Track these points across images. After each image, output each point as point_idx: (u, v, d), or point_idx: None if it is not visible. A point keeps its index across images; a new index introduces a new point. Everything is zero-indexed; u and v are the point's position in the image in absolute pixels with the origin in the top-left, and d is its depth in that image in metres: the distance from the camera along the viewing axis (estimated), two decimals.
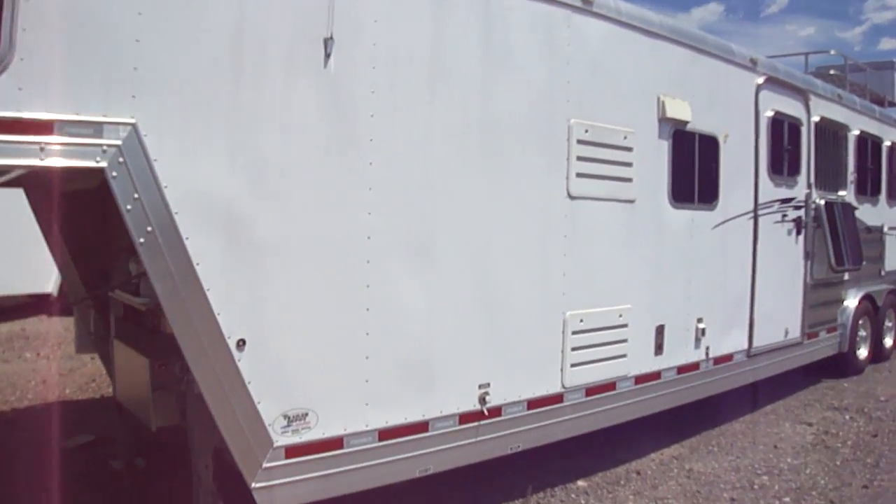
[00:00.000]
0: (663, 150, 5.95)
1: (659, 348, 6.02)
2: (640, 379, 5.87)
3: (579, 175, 5.26)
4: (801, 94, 7.86)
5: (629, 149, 5.62)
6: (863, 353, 9.65)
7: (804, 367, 8.56)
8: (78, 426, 6.39)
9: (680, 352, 6.26)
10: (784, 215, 7.54)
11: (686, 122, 6.10)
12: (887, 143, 10.13)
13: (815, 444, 6.69)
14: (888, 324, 10.39)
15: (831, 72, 9.90)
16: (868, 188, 9.63)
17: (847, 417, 7.57)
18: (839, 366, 9.29)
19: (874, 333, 9.82)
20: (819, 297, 8.42)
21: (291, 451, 3.77)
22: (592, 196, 5.39)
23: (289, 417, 3.76)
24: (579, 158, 5.24)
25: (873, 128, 9.70)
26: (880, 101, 10.59)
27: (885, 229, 10.14)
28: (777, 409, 7.91)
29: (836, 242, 8.34)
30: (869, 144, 9.61)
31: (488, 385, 4.66)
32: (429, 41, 4.35)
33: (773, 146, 7.29)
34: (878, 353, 10.03)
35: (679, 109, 5.98)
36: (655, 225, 5.92)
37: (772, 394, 8.24)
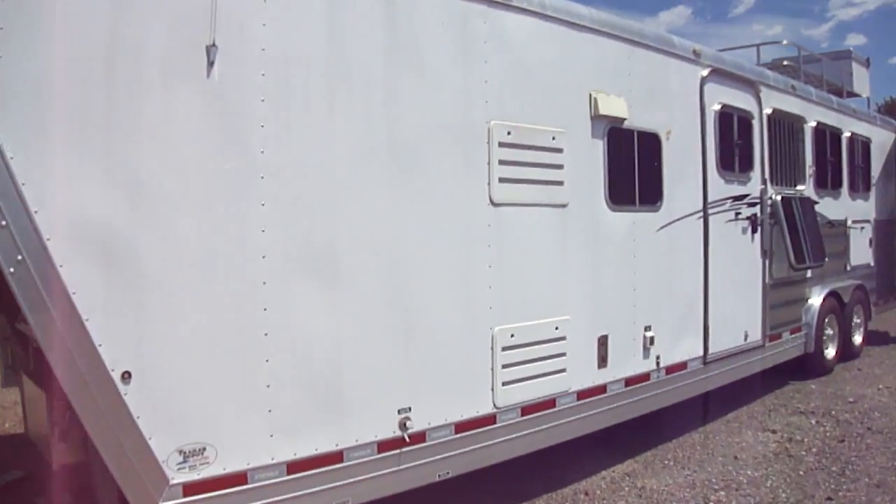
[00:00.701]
0: (598, 149, 5.79)
1: (603, 360, 5.88)
2: (583, 394, 5.69)
3: (502, 180, 5.09)
4: (751, 85, 7.79)
5: (559, 150, 5.46)
6: (830, 352, 9.59)
7: (769, 370, 8.39)
8: (8, 463, 6.14)
9: (627, 363, 6.11)
10: (737, 213, 7.47)
11: (622, 119, 5.97)
12: (847, 135, 10.08)
13: (777, 454, 6.57)
14: (856, 320, 10.34)
15: (784, 62, 9.88)
16: (828, 181, 9.57)
17: (813, 422, 7.48)
18: (806, 367, 9.19)
19: (842, 331, 9.75)
20: (780, 297, 8.34)
21: (190, 488, 3.59)
22: (518, 202, 5.21)
23: (184, 453, 3.58)
24: (502, 162, 5.06)
25: (831, 119, 9.65)
26: (838, 92, 10.55)
27: (849, 223, 10.11)
28: (740, 416, 7.81)
29: (795, 239, 8.27)
30: (827, 136, 9.55)
31: (409, 409, 4.46)
32: (326, 44, 4.11)
33: (721, 141, 7.18)
34: (847, 352, 9.96)
35: (613, 106, 5.87)
36: (592, 230, 5.76)
37: (735, 400, 8.08)
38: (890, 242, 11.24)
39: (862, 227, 10.36)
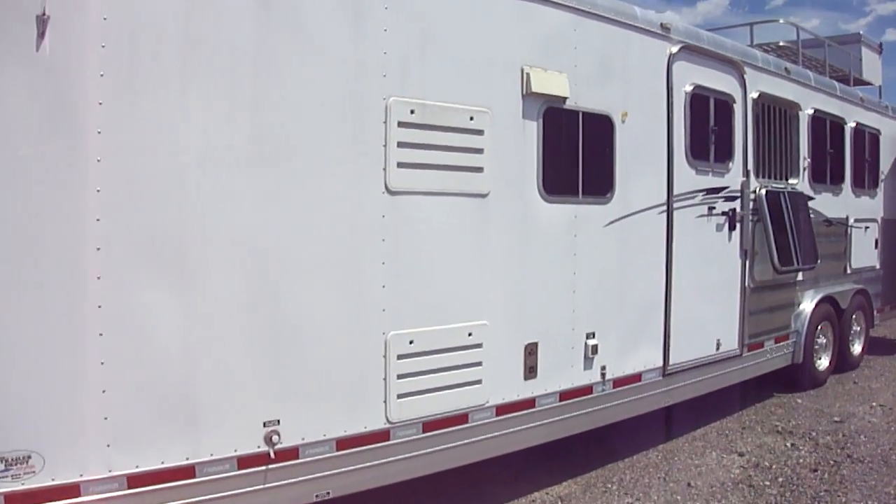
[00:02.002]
0: (530, 132, 5.01)
1: (531, 371, 5.11)
2: (504, 409, 4.95)
3: (402, 165, 4.34)
4: (734, 66, 6.90)
5: (478, 131, 4.69)
6: (823, 363, 8.70)
7: (755, 380, 7.64)
8: None
9: (562, 374, 5.33)
10: (711, 208, 6.60)
11: (563, 99, 5.16)
12: (851, 125, 9.13)
13: (737, 482, 5.74)
14: (856, 328, 9.42)
15: (780, 43, 8.93)
16: (828, 176, 8.65)
17: (788, 444, 6.62)
18: (795, 379, 8.35)
19: (838, 340, 8.86)
20: (763, 302, 7.47)
21: (12, 499, 3.25)
22: (422, 190, 4.46)
23: (6, 461, 3.24)
24: (401, 145, 4.32)
25: (833, 107, 8.71)
26: (845, 79, 9.61)
27: (851, 222, 9.17)
28: (709, 433, 6.97)
29: (781, 238, 7.38)
30: (828, 126, 8.62)
31: (277, 422, 3.92)
32: (182, 10, 3.60)
33: (693, 127, 6.33)
34: (843, 362, 9.07)
35: (551, 83, 5.06)
36: (520, 223, 4.98)
37: (708, 414, 7.29)
38: None
39: (866, 227, 9.43)
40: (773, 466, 6.04)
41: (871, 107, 9.73)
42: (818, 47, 9.28)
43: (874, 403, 7.91)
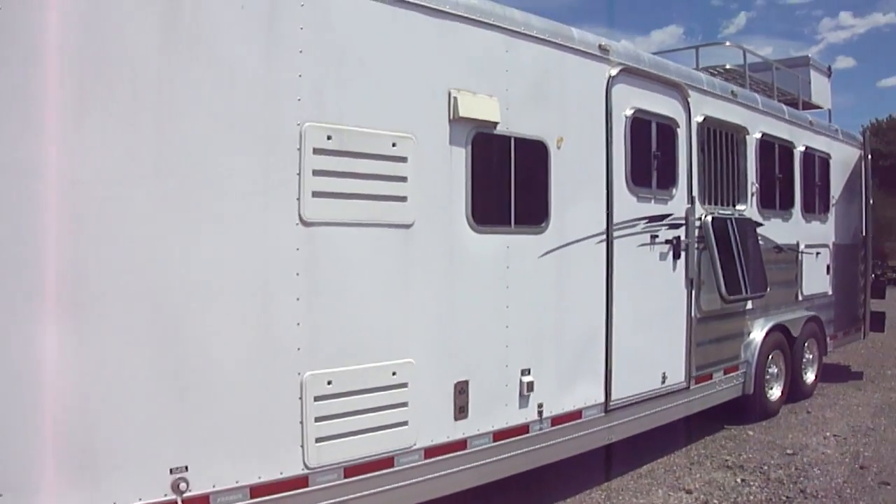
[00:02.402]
0: (458, 159, 4.85)
1: (461, 411, 4.91)
2: (433, 451, 4.76)
3: (318, 194, 4.15)
4: (677, 89, 6.83)
5: (402, 158, 4.52)
6: (775, 393, 8.62)
7: (706, 412, 7.52)
8: None
9: (496, 413, 5.15)
10: (654, 236, 6.48)
11: (493, 124, 5.02)
12: (800, 149, 9.13)
13: None
14: (808, 356, 9.38)
15: (727, 66, 8.92)
16: (777, 201, 8.62)
17: (738, 480, 6.48)
18: (746, 410, 8.25)
19: (790, 369, 8.80)
20: (711, 333, 7.37)
21: None
22: (341, 221, 4.28)
23: None
24: (317, 173, 4.14)
25: (782, 131, 8.71)
26: (793, 103, 9.63)
27: (802, 248, 9.14)
28: (655, 469, 6.82)
29: (728, 266, 7.30)
30: (776, 150, 8.61)
31: (185, 469, 3.71)
32: (80, 29, 3.47)
33: (634, 152, 6.22)
34: (796, 391, 9.01)
35: (480, 108, 4.91)
36: (447, 255, 4.81)
37: (656, 449, 7.14)
38: (851, 269, 10.23)
39: (818, 253, 9.40)
40: None
41: (820, 130, 9.75)
42: (766, 70, 9.28)
43: (828, 434, 7.83)
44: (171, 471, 3.68)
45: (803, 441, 7.58)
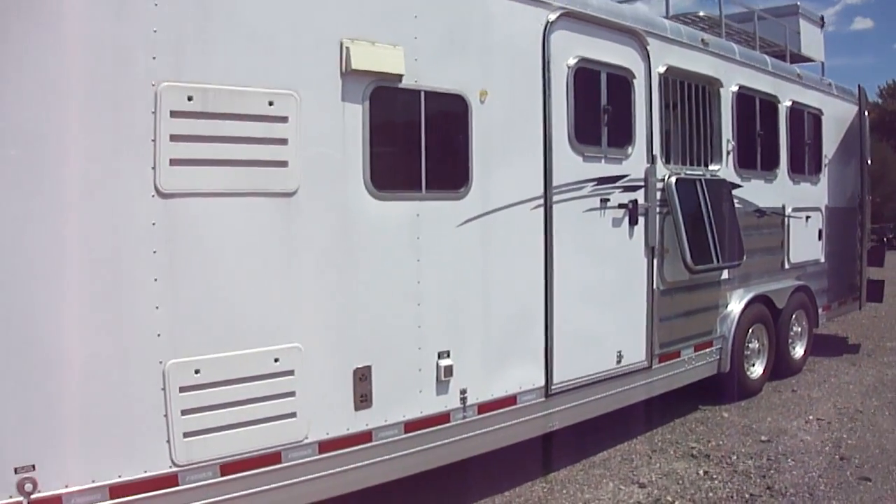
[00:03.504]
0: (353, 117, 4.50)
1: (363, 400, 4.61)
2: (329, 445, 4.48)
3: (176, 162, 3.83)
4: (633, 36, 6.42)
5: (281, 118, 4.18)
6: (756, 370, 8.30)
7: (680, 391, 7.27)
8: None
9: (407, 401, 4.85)
10: (604, 200, 6.12)
11: (398, 76, 4.66)
12: (786, 104, 8.70)
13: None
14: (796, 329, 9.04)
15: (700, 14, 8.48)
16: (758, 160, 8.23)
17: (701, 472, 6.15)
18: (723, 389, 7.94)
19: (774, 344, 8.45)
20: (678, 306, 7.03)
21: None
22: (205, 191, 3.95)
23: None
24: (176, 138, 3.81)
25: (764, 84, 8.28)
26: (781, 55, 9.18)
27: (788, 211, 8.75)
28: (612, 458, 6.51)
29: (696, 233, 6.94)
30: (757, 105, 8.20)
31: (32, 468, 3.50)
32: None
33: (579, 107, 5.84)
34: (782, 367, 8.70)
35: (380, 59, 4.54)
36: (340, 225, 4.48)
37: (619, 434, 6.89)
38: (848, 235, 9.83)
39: (808, 217, 9.04)
40: (676, 502, 5.55)
41: (811, 84, 9.33)
42: (750, 21, 8.83)
43: (811, 417, 7.51)
44: (15, 470, 3.47)
45: (782, 425, 7.26)
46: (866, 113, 10.13)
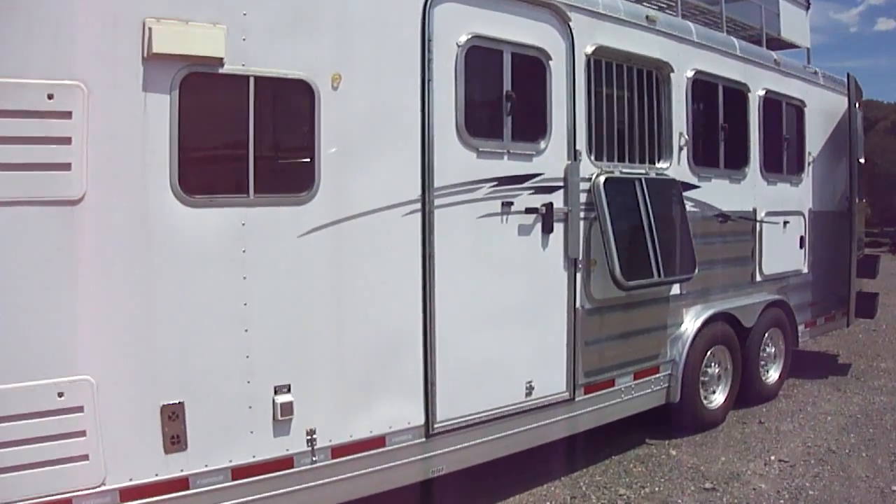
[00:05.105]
0: (158, 110, 4.15)
1: (175, 441, 4.27)
2: (132, 492, 4.15)
3: None
4: (550, 10, 6.00)
5: (64, 114, 3.88)
6: (717, 398, 7.90)
7: (629, 420, 6.94)
8: None
9: (235, 444, 4.51)
10: (507, 203, 5.71)
11: (218, 61, 4.29)
12: (759, 93, 8.29)
13: None
14: (769, 350, 8.63)
15: None
16: (720, 157, 7.81)
17: None
18: (674, 421, 7.52)
19: (740, 367, 8.03)
20: (610, 327, 6.62)
21: None
22: None
23: None
24: None
25: (729, 70, 7.87)
26: (755, 40, 8.77)
27: (761, 216, 8.32)
28: None
29: (631, 242, 6.53)
30: (720, 93, 7.79)
31: None
32: None
33: (472, 93, 5.46)
34: (751, 394, 8.36)
35: (190, 40, 4.19)
36: (140, 238, 4.15)
37: (540, 472, 6.51)
38: (837, 242, 9.38)
39: (786, 222, 8.63)
40: None
41: (791, 72, 8.93)
42: (726, 2, 8.44)
43: (773, 457, 7.07)
44: None
45: (736, 468, 6.83)
46: (857, 105, 9.65)
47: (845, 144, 9.72)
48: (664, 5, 7.99)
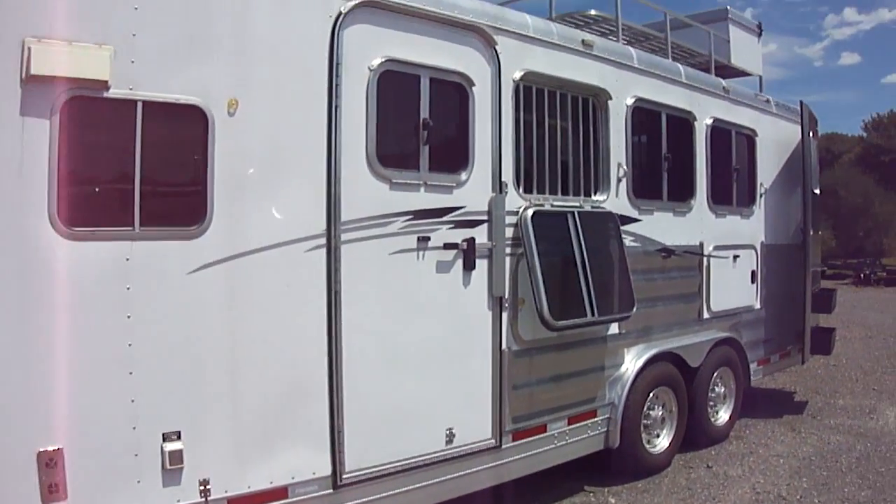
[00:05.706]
0: (37, 136, 4.14)
1: (53, 490, 4.20)
2: None
3: None
4: (475, 33, 6.04)
5: None
6: (661, 442, 7.90)
7: (571, 464, 6.93)
8: None
9: (120, 493, 4.45)
10: (424, 239, 5.70)
11: (103, 84, 4.28)
12: (706, 122, 8.38)
13: None
14: (718, 390, 8.67)
15: (592, 12, 8.16)
16: (663, 189, 7.88)
17: None
18: (614, 467, 7.52)
19: (686, 409, 8.05)
20: (542, 369, 6.61)
21: None
22: None
23: None
24: None
25: (674, 98, 7.95)
26: (704, 67, 8.91)
27: (709, 250, 8.39)
28: None
29: (560, 279, 6.55)
30: (664, 121, 7.87)
31: None
32: None
33: (386, 121, 5.46)
34: (699, 436, 8.43)
35: (72, 62, 4.18)
36: (12, 271, 4.13)
37: None
38: (792, 276, 9.48)
39: (736, 256, 8.67)
40: None
41: (741, 100, 9.04)
42: (679, 28, 8.56)
43: None
44: None
45: None
46: (811, 134, 9.80)
47: (800, 175, 9.85)
48: (606, 31, 8.06)
